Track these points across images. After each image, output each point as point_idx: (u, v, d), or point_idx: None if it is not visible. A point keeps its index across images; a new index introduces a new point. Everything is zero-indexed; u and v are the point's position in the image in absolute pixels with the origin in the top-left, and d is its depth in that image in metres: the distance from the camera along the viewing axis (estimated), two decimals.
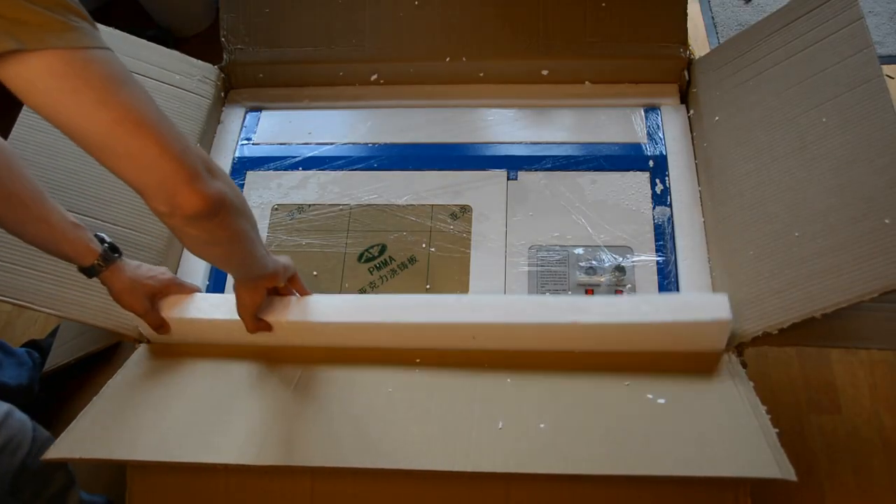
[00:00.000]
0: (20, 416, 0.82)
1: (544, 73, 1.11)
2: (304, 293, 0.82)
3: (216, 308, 0.81)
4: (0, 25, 0.47)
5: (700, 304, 0.74)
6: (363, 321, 0.78)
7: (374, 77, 1.14)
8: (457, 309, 0.77)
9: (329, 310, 0.80)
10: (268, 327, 0.80)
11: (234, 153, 1.09)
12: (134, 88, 0.52)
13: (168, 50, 1.10)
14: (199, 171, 0.56)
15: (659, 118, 1.05)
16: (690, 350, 0.77)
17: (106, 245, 0.75)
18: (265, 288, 0.75)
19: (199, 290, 0.85)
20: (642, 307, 0.74)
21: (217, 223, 0.59)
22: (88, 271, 0.74)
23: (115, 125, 0.51)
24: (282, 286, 0.80)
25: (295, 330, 0.81)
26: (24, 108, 0.94)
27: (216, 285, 0.97)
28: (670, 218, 0.95)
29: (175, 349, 0.86)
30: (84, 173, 0.93)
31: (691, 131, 1.04)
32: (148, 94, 0.54)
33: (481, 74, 1.12)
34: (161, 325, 0.82)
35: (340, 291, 0.94)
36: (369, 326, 0.79)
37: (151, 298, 0.80)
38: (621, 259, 0.92)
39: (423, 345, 0.80)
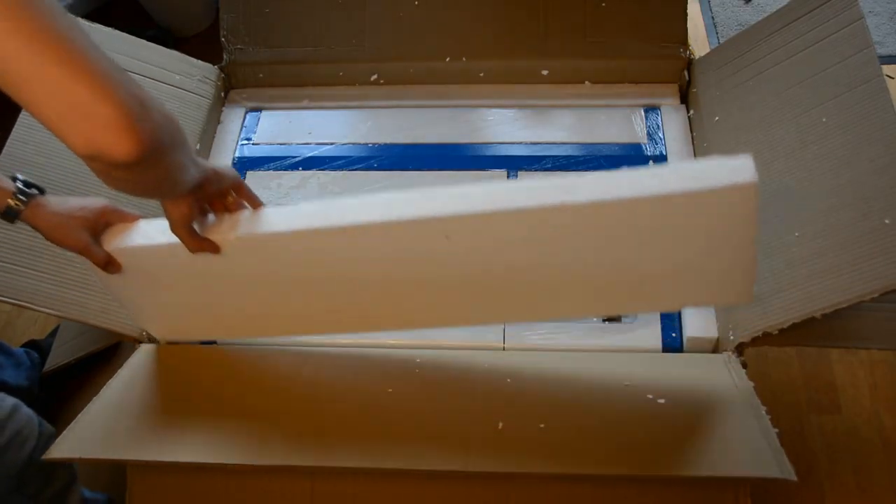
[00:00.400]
0: (27, 411, 0.82)
1: (544, 73, 1.11)
2: (256, 205, 0.70)
3: (163, 233, 0.69)
4: None
5: (717, 169, 0.57)
6: (321, 227, 0.65)
7: (374, 77, 1.14)
8: (426, 203, 0.63)
9: (281, 220, 0.68)
10: (213, 248, 0.68)
11: (234, 153, 1.08)
12: (47, 6, 0.44)
13: (168, 50, 1.10)
14: (131, 109, 0.46)
15: (659, 118, 1.05)
16: (713, 229, 0.62)
17: (19, 181, 0.66)
18: (192, 197, 0.64)
19: (141, 217, 0.74)
20: (646, 181, 0.58)
21: (150, 165, 0.50)
22: (7, 215, 0.66)
23: (7, 36, 0.42)
24: (230, 201, 0.69)
25: (245, 249, 0.69)
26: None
27: None
28: None
29: (175, 349, 0.86)
30: (84, 173, 0.92)
31: (691, 131, 1.04)
32: (70, 17, 0.46)
33: (481, 74, 1.12)
34: (108, 262, 0.71)
35: None
36: (330, 234, 0.66)
37: (90, 231, 0.70)
38: None
39: (392, 252, 0.68)
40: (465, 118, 1.09)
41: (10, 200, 0.65)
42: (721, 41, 1.54)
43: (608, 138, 1.04)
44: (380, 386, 0.77)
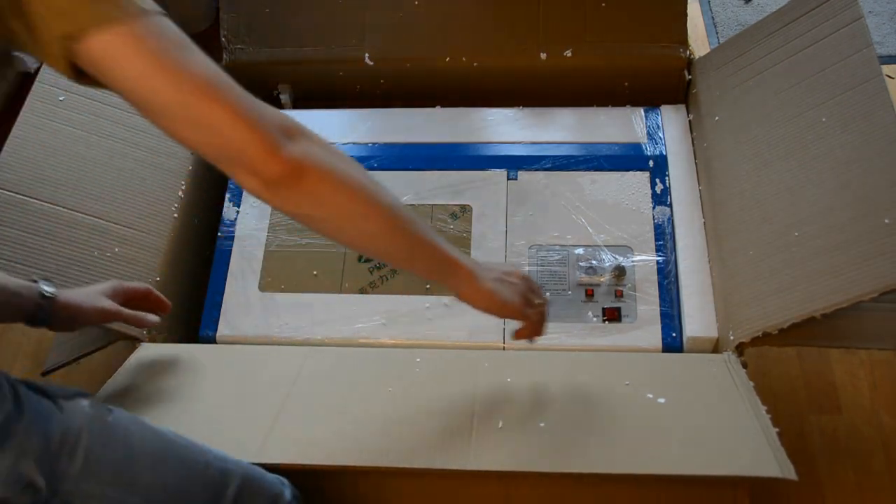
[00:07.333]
0: None
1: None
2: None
3: None
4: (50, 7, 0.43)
5: None
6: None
7: (374, 77, 1.14)
8: None
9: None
10: None
11: None
12: (197, 53, 0.48)
13: None
14: (272, 135, 0.51)
15: (659, 118, 1.05)
16: None
17: (41, 284, 0.69)
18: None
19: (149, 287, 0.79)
20: None
21: (305, 190, 0.54)
22: (39, 316, 0.68)
23: (182, 92, 0.47)
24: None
25: None
26: (24, 107, 0.94)
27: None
28: (670, 218, 0.95)
29: (175, 348, 0.86)
30: (85, 172, 0.93)
31: (691, 131, 1.04)
32: (210, 59, 0.50)
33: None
34: (140, 320, 0.76)
35: (340, 292, 0.94)
36: None
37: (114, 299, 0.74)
38: (621, 259, 0.92)
39: None
40: (465, 118, 1.09)
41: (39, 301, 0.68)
42: (721, 41, 1.54)
43: (608, 138, 1.04)
44: (380, 386, 0.77)
